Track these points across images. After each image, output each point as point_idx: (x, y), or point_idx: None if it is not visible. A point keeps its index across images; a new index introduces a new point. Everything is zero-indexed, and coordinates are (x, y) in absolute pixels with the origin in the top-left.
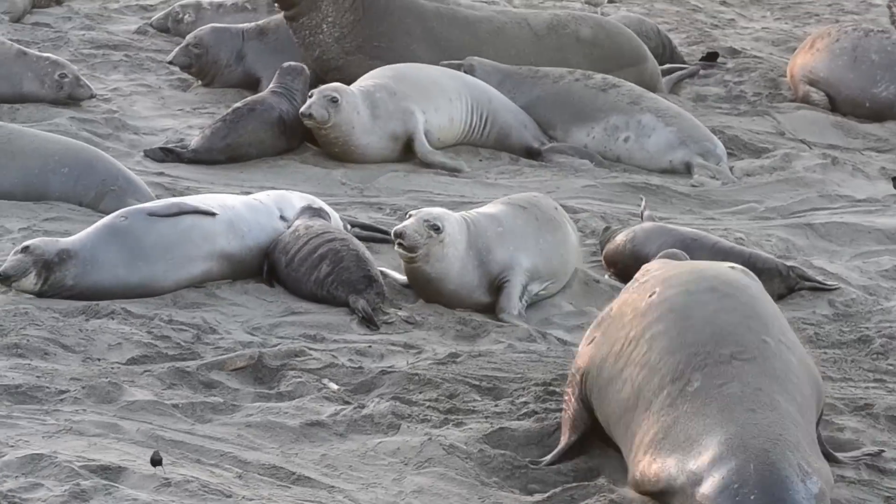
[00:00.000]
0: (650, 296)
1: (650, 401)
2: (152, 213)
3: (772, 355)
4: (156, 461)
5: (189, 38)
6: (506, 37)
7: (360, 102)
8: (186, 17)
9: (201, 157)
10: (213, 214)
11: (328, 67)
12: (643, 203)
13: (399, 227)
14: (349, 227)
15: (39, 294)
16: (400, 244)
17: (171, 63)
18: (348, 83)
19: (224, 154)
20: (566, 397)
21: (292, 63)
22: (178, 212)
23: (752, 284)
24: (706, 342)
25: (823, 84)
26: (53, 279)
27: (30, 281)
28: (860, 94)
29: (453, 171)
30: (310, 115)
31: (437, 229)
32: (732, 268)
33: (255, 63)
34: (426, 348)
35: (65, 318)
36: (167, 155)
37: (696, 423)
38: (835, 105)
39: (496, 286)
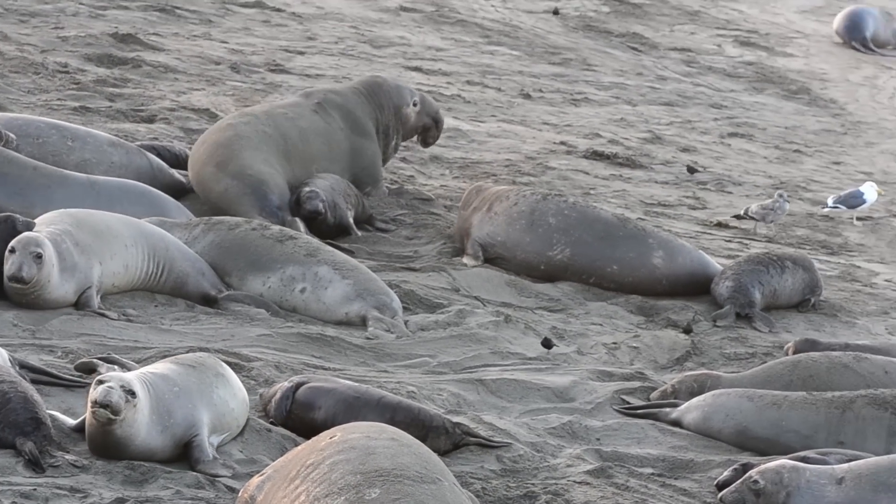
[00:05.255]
0: (331, 437)
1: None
2: None
3: (446, 489)
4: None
5: None
6: None
7: (54, 254)
8: None
9: None
10: None
11: None
12: None
13: (100, 395)
14: (18, 368)
15: None
16: (104, 408)
17: None
18: None
19: None
20: None
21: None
22: None
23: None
24: (387, 470)
25: (500, 246)
26: None
27: None
28: (536, 257)
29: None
30: (20, 279)
31: (132, 394)
32: None
33: None
34: (93, 493)
35: None
36: None
37: None
38: (510, 267)
39: (183, 445)
